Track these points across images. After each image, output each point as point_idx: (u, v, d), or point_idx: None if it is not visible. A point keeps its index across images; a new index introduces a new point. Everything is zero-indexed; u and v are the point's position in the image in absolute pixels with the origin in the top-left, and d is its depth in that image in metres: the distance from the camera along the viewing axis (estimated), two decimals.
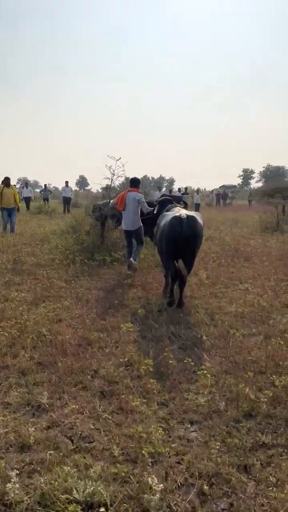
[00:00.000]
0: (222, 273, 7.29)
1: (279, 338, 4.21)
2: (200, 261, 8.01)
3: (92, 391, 3.31)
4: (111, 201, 8.49)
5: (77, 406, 3.01)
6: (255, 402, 3.05)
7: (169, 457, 2.49)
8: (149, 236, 8.68)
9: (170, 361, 3.65)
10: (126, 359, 3.80)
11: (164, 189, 32.64)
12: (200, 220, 5.56)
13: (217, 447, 2.55)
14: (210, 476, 2.32)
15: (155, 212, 6.79)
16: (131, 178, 7.78)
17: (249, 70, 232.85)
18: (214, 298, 5.85)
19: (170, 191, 22.14)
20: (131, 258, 7.43)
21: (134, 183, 7.76)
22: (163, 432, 2.71)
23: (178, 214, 5.44)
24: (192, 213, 5.71)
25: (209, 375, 3.18)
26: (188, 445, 2.62)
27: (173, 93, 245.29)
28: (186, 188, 23.34)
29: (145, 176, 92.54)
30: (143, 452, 2.44)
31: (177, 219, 5.32)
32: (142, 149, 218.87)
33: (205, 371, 3.40)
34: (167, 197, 7.11)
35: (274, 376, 3.48)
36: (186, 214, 5.43)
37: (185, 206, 8.18)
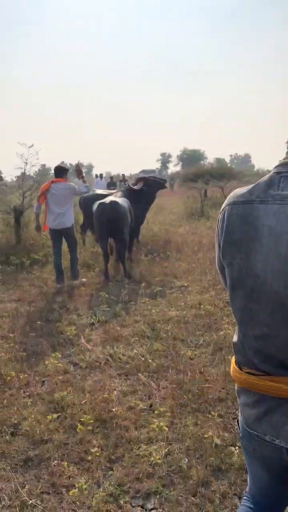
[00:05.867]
0: (156, 269, 6.68)
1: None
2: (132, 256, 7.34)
3: (12, 460, 2.47)
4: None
5: None
6: (223, 449, 2.45)
7: None
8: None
9: (111, 399, 2.94)
10: (55, 403, 2.99)
11: (104, 175, 29.31)
12: (123, 203, 6.28)
13: None
14: None
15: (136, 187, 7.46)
16: (55, 167, 6.02)
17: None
18: (152, 301, 5.21)
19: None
20: (73, 279, 6.09)
21: (59, 172, 6.02)
22: None
23: (103, 200, 6.18)
24: (116, 198, 6.42)
25: (163, 423, 2.50)
26: None
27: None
28: (123, 175, 22.12)
29: (62, 162, 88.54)
30: None
31: (101, 205, 6.07)
32: (55, 134, 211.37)
33: (156, 410, 2.74)
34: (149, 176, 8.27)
35: (236, 404, 2.93)
36: (110, 200, 6.14)
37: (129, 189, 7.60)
